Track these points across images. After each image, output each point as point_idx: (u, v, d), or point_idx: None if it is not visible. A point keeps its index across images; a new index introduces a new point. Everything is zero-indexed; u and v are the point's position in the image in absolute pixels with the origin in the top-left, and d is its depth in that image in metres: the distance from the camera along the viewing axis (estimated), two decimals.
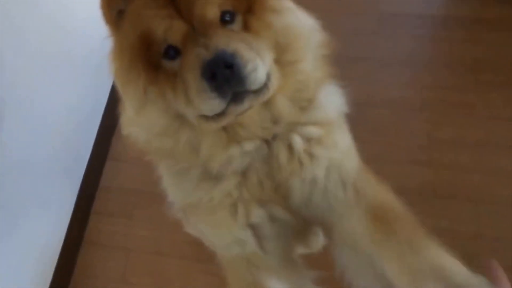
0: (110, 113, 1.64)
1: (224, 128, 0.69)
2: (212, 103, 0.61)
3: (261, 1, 0.68)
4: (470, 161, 1.47)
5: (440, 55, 1.66)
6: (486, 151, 1.47)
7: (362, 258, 0.73)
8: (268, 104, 0.69)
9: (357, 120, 1.62)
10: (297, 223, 0.80)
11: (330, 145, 0.76)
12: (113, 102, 1.64)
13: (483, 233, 1.37)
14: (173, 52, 0.64)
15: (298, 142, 0.74)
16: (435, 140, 1.50)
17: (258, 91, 0.63)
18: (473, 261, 1.40)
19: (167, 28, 0.63)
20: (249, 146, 0.71)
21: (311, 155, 0.75)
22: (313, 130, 0.75)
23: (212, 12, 0.64)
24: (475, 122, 1.51)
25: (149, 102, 0.67)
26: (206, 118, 0.64)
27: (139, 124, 0.71)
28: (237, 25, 0.66)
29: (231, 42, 0.61)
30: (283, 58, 0.67)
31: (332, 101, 0.79)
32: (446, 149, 1.48)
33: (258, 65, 0.62)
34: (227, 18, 0.65)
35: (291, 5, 0.72)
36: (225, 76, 0.59)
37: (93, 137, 1.57)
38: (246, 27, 0.66)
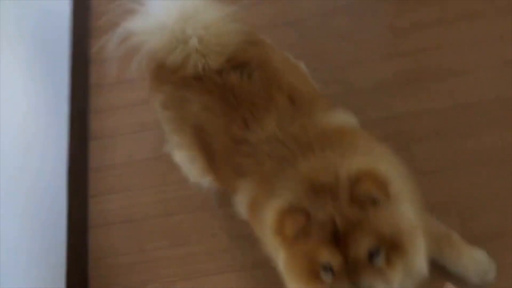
0: (79, 97, 1.60)
1: None
2: None
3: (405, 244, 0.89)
4: (435, 40, 1.53)
5: None
6: (447, 26, 1.54)
7: None
8: None
9: (320, 32, 1.65)
10: None
11: None
12: (78, 85, 1.60)
13: (459, 103, 1.46)
14: (330, 270, 0.88)
15: None
16: (398, 30, 1.55)
17: None
18: (455, 131, 1.49)
19: (330, 258, 0.86)
20: None
21: None
22: None
23: (363, 254, 0.86)
24: (431, 2, 1.57)
25: None
26: None
27: None
28: (381, 258, 0.88)
29: (373, 284, 0.86)
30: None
31: None
32: (411, 35, 1.54)
33: None
34: (373, 253, 0.86)
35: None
36: None
37: (66, 120, 1.53)
38: (387, 260, 0.88)
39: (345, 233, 0.85)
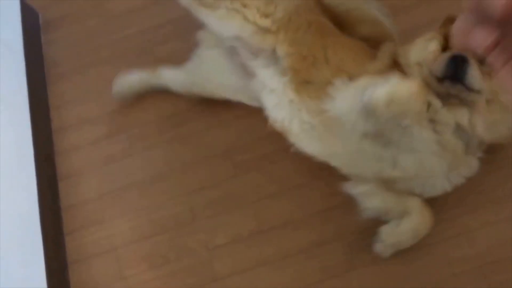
0: (43, 142, 1.66)
1: None
2: None
3: None
4: None
5: None
6: None
7: None
8: None
9: None
10: None
11: None
12: (40, 131, 1.66)
13: None
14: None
15: None
16: None
17: None
18: None
19: None
20: None
21: None
22: None
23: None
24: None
25: None
26: None
27: None
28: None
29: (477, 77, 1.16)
30: None
31: None
32: None
33: None
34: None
35: None
36: None
37: (33, 165, 1.59)
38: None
39: None
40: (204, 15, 1.39)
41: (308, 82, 1.32)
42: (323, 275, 1.41)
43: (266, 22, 1.32)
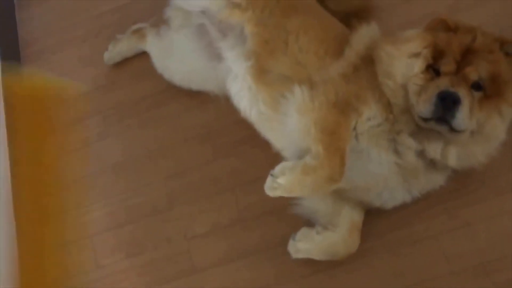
0: None
1: None
2: None
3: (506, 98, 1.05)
4: None
5: None
6: None
7: None
8: None
9: None
10: None
11: None
12: None
13: None
14: (436, 70, 1.09)
15: None
16: None
17: None
18: None
19: (446, 62, 1.07)
20: None
21: None
22: None
23: (472, 75, 1.03)
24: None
25: None
26: None
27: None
28: (480, 94, 1.04)
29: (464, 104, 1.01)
30: None
31: None
32: None
33: None
34: (479, 84, 1.04)
35: None
36: None
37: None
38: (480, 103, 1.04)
39: (473, 52, 1.03)
40: None
41: (266, 71, 1.23)
42: (306, 269, 1.30)
43: None
